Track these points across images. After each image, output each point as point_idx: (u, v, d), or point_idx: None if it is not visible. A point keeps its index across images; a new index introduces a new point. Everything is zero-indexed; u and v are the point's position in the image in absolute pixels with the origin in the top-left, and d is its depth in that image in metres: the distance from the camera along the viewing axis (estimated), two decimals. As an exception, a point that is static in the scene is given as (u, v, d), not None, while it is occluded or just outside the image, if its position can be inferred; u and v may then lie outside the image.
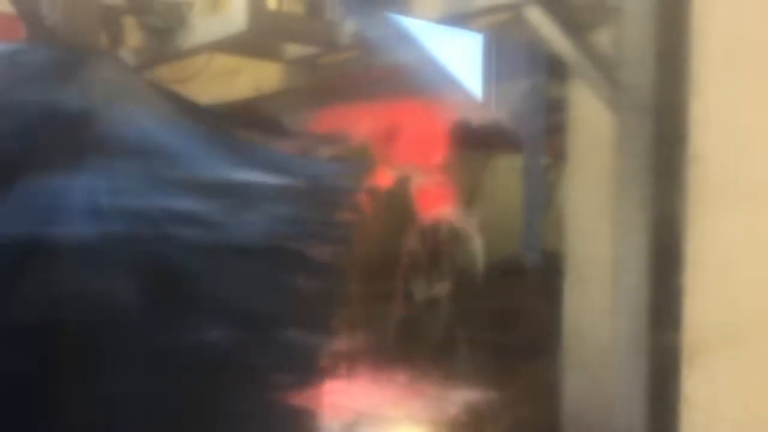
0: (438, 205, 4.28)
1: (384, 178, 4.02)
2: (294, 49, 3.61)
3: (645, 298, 2.46)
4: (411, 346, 3.99)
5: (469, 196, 4.37)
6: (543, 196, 4.59)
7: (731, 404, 2.22)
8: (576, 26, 2.71)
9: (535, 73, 3.59)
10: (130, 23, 3.52)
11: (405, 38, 3.31)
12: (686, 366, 2.31)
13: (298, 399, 1.86)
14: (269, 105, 4.00)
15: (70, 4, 1.99)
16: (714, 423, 2.26)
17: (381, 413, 3.21)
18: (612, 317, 2.57)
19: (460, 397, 3.41)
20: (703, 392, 2.28)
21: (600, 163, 2.72)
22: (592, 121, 2.74)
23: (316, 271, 1.94)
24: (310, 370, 1.88)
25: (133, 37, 3.60)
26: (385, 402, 3.40)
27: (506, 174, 4.77)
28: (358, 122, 3.84)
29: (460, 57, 3.54)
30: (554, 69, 3.14)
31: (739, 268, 2.24)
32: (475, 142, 4.22)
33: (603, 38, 2.67)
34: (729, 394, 2.23)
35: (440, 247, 4.29)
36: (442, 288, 4.19)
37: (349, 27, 3.36)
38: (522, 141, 4.42)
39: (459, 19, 3.07)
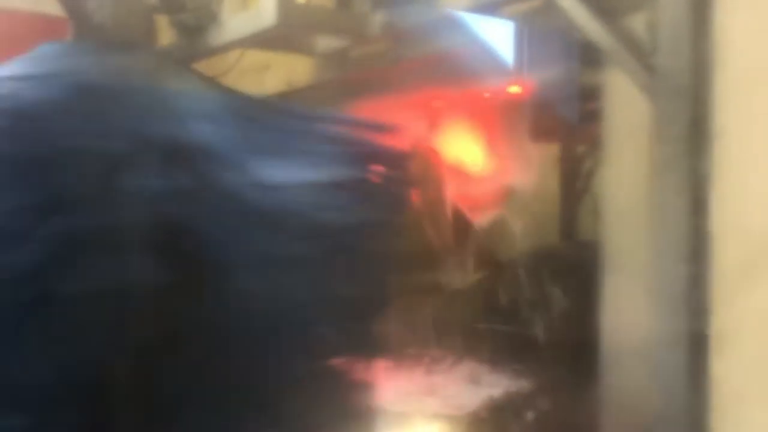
0: (478, 194, 4.25)
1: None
2: (324, 43, 3.61)
3: (684, 285, 2.41)
4: (448, 336, 3.98)
5: (509, 184, 4.33)
6: (580, 186, 4.53)
7: (760, 385, 2.18)
8: (609, 11, 2.66)
9: (567, 61, 3.53)
10: (162, 22, 3.56)
11: (436, 28, 3.29)
12: (716, 349, 2.28)
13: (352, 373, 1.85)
14: (301, 99, 4.01)
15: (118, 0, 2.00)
16: (744, 404, 2.22)
17: (415, 400, 3.21)
18: (650, 305, 2.52)
19: (496, 385, 3.39)
20: (734, 374, 2.25)
21: (636, 151, 2.67)
22: (627, 108, 2.69)
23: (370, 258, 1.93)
24: (365, 346, 1.88)
25: (165, 35, 3.64)
26: (420, 389, 3.40)
27: (542, 163, 4.72)
28: (394, 114, 3.84)
29: (491, 45, 3.51)
30: (588, 56, 3.09)
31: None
32: (512, 131, 4.18)
33: (637, 23, 2.61)
34: (759, 376, 2.19)
35: (479, 237, 4.27)
36: (479, 276, 4.17)
37: (379, 18, 3.35)
38: (558, 130, 4.36)
39: (489, 6, 3.03)
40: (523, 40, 3.53)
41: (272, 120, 1.91)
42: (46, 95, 1.65)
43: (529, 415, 3.29)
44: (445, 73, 3.56)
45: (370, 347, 1.89)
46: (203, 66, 3.77)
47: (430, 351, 3.87)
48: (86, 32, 1.91)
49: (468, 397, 3.32)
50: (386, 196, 1.98)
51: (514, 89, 3.78)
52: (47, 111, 1.61)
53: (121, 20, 1.92)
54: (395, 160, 2.01)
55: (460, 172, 4.12)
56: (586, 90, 3.47)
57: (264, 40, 3.49)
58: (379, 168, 1.97)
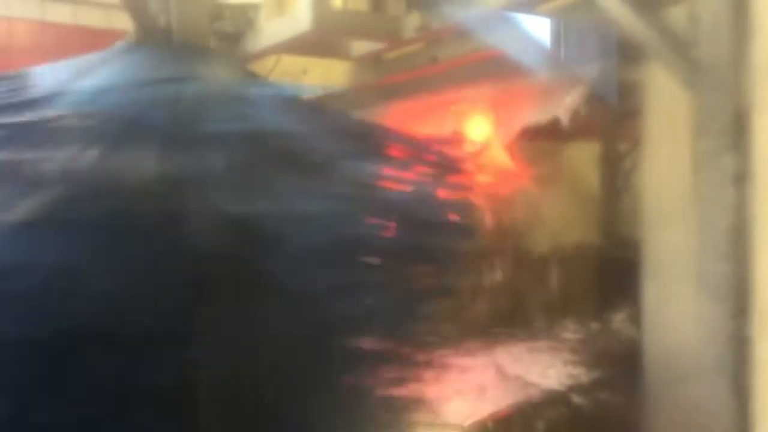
0: (513, 190, 4.21)
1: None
2: (360, 46, 3.64)
3: (729, 281, 2.36)
4: (488, 331, 3.95)
5: (544, 182, 4.29)
6: (620, 183, 4.46)
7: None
8: (648, 4, 2.62)
9: (606, 57, 3.49)
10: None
11: (472, 28, 3.28)
12: (758, 331, 2.23)
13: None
14: (338, 102, 4.04)
15: (182, 3, 2.01)
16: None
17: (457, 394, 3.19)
18: (693, 302, 2.48)
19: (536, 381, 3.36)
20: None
21: (678, 146, 2.62)
22: (668, 103, 2.65)
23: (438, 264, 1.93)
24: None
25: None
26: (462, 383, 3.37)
27: (583, 161, 4.66)
28: (430, 114, 3.83)
29: (529, 43, 3.48)
30: (626, 51, 3.05)
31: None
32: (551, 130, 4.14)
33: (677, 16, 2.56)
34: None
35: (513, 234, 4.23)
36: (510, 274, 4.14)
37: (413, 20, 3.36)
38: (597, 127, 4.30)
39: (525, 4, 3.01)
40: (560, 37, 3.50)
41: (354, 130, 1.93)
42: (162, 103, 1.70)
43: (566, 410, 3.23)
44: (482, 72, 3.54)
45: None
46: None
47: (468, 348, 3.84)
48: (150, 35, 1.95)
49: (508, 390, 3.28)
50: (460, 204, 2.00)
51: (551, 87, 3.74)
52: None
53: (184, 24, 1.95)
54: (462, 169, 2.04)
55: (498, 168, 4.10)
56: (626, 86, 3.42)
57: (300, 45, 3.53)
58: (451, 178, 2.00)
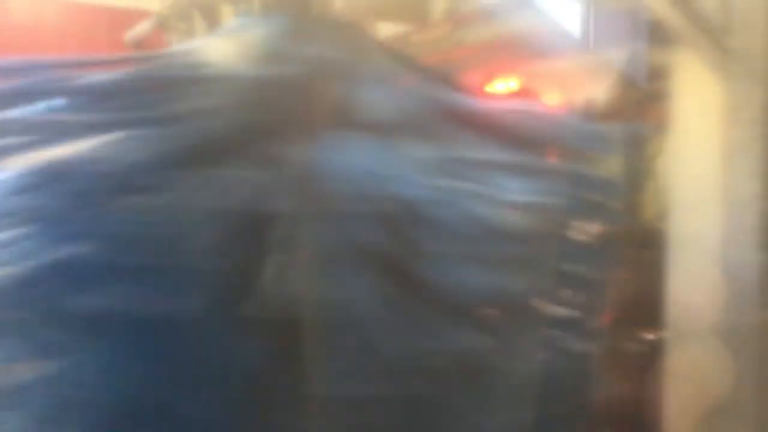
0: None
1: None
2: (386, 29, 3.62)
3: (755, 273, 2.36)
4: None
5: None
6: (643, 168, 4.42)
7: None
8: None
9: (635, 40, 3.44)
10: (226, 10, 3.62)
11: (500, 11, 3.25)
12: None
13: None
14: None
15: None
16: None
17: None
18: (718, 290, 2.47)
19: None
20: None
21: (706, 133, 2.59)
22: (697, 89, 2.62)
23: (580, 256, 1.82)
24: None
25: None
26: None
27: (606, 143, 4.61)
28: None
29: (557, 26, 3.45)
30: (656, 35, 3.00)
31: None
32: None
33: (710, 2, 2.53)
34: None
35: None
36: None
37: (439, 3, 3.34)
38: (624, 109, 4.26)
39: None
40: (589, 20, 3.46)
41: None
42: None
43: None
44: (510, 55, 3.51)
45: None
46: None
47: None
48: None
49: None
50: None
51: (580, 70, 3.70)
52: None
53: None
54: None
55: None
56: (654, 70, 3.38)
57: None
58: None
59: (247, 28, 1.79)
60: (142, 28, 5.13)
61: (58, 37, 4.95)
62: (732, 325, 2.43)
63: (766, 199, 2.34)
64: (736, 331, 2.42)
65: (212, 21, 3.84)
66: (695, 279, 2.62)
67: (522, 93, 3.35)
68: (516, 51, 3.44)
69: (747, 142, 2.35)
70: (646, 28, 3.29)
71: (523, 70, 3.65)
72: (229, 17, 3.74)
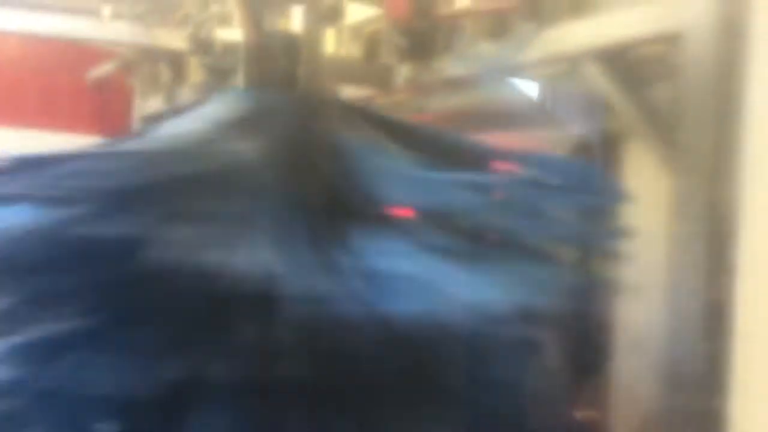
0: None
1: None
2: (349, 92, 3.64)
3: (699, 363, 2.37)
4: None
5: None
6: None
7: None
8: (633, 81, 2.65)
9: (593, 118, 3.51)
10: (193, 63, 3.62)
11: (459, 83, 3.31)
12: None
13: None
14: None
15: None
16: None
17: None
18: (661, 380, 2.48)
19: None
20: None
21: (652, 223, 2.63)
22: (645, 179, 2.67)
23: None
24: None
25: (194, 75, 3.70)
26: None
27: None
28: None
29: (518, 99, 3.51)
30: (609, 120, 3.07)
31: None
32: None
33: (662, 96, 2.59)
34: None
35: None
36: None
37: (404, 71, 3.38)
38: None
39: (513, 69, 3.04)
40: (548, 95, 3.52)
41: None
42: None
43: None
44: (472, 125, 3.56)
45: None
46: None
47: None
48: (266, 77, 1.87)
49: None
50: None
51: (538, 141, 3.76)
52: None
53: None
54: None
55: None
56: (611, 148, 3.44)
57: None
58: None
59: (235, 102, 1.82)
60: (104, 68, 5.10)
61: (17, 72, 4.87)
62: (676, 413, 2.44)
63: (710, 292, 2.37)
64: (680, 419, 2.42)
65: (177, 70, 3.82)
66: (643, 308, 2.60)
67: None
68: (479, 121, 3.48)
69: (692, 236, 2.38)
70: (603, 108, 3.36)
71: (486, 140, 3.69)
72: (195, 69, 3.73)
